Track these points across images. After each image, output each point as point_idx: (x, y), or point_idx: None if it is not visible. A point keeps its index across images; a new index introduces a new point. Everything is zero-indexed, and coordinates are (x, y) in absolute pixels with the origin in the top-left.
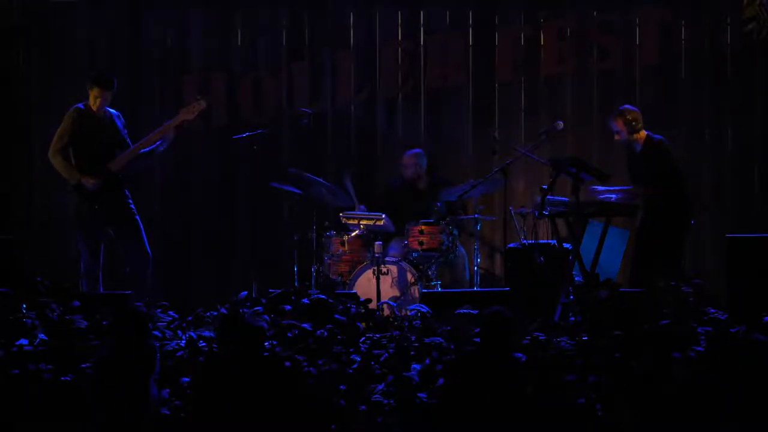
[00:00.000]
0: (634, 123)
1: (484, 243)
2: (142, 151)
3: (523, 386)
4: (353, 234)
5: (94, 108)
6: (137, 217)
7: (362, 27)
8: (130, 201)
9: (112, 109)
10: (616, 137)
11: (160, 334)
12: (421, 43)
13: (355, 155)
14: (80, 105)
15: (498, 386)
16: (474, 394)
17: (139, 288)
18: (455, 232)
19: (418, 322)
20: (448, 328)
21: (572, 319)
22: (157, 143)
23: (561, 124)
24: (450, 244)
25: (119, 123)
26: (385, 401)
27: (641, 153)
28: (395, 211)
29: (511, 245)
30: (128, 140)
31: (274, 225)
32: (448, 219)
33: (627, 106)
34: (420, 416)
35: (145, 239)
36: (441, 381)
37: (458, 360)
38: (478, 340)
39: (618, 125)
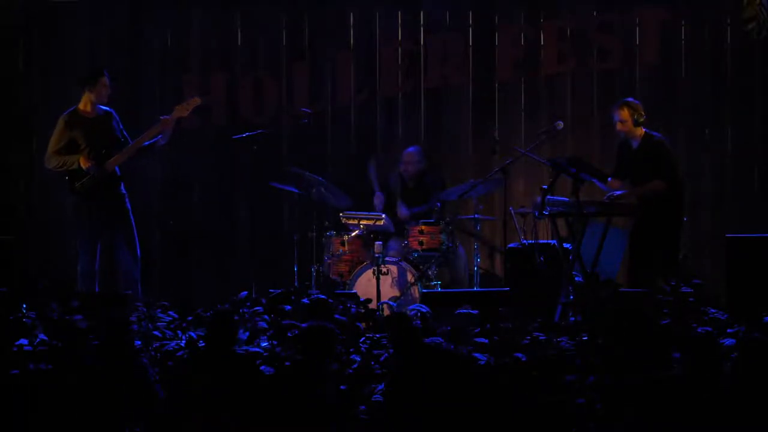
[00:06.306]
0: (637, 115)
1: (484, 243)
2: (141, 145)
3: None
4: (353, 234)
5: (99, 103)
6: (131, 217)
7: (362, 27)
8: (127, 201)
9: (107, 106)
10: (619, 126)
11: (160, 334)
12: (421, 43)
13: (355, 155)
14: (69, 111)
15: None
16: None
17: (131, 288)
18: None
19: (418, 322)
20: (448, 328)
21: (572, 319)
22: (155, 138)
23: (561, 124)
24: (450, 244)
25: (114, 120)
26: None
27: (639, 149)
28: (393, 210)
29: (511, 245)
30: (126, 135)
31: (274, 225)
32: (447, 219)
33: (631, 99)
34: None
35: (137, 241)
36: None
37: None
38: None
39: (622, 115)
